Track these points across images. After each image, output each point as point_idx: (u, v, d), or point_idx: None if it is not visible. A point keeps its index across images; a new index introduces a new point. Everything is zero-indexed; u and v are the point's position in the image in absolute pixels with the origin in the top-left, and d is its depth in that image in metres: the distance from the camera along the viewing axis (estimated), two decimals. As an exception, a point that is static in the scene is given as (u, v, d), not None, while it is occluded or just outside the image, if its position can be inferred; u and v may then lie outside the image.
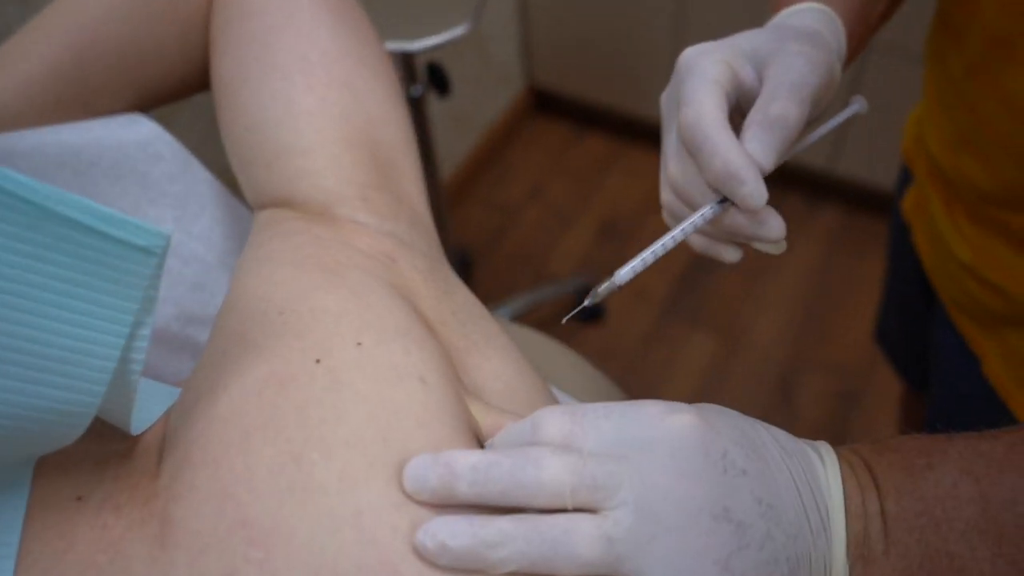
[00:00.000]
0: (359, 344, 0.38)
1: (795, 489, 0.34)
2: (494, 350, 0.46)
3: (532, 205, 2.02)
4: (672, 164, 0.45)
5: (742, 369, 1.64)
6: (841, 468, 0.35)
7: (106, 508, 0.34)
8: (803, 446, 0.36)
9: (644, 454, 0.33)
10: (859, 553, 0.34)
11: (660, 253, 0.42)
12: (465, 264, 1.82)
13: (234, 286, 0.44)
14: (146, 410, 0.39)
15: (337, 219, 0.47)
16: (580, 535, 0.31)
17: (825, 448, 0.37)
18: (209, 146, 0.55)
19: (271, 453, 0.34)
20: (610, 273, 0.42)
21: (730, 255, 0.45)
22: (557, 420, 0.34)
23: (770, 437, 0.36)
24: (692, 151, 0.41)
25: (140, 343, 0.31)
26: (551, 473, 0.32)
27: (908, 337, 0.89)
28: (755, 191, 0.39)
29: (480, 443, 0.38)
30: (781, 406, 1.58)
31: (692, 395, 1.58)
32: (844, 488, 0.35)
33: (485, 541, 0.31)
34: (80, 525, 0.34)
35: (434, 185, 1.45)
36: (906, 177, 0.78)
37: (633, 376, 1.65)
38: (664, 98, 0.46)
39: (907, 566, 0.34)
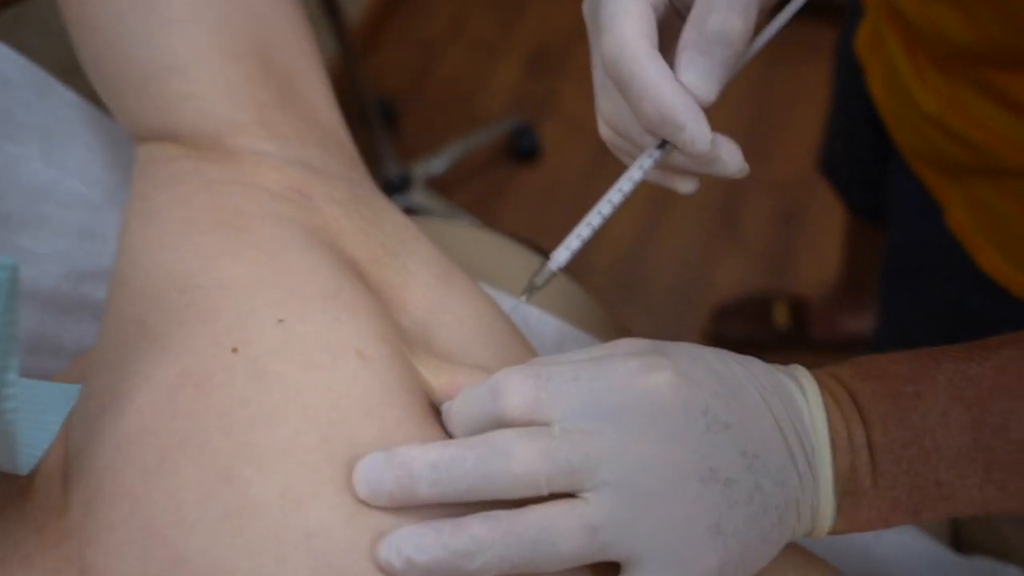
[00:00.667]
0: (281, 321, 0.33)
1: (779, 432, 0.32)
2: (435, 278, 0.41)
3: (454, 40, 1.88)
4: (602, 100, 0.38)
5: (685, 196, 1.62)
6: (823, 399, 0.33)
7: (12, 561, 0.30)
8: (781, 378, 0.33)
9: (620, 422, 0.30)
10: (846, 488, 0.32)
11: (598, 224, 0.37)
12: (389, 114, 1.71)
13: (122, 252, 0.37)
14: (38, 428, 0.33)
15: (233, 152, 0.40)
16: (560, 530, 0.29)
17: (804, 376, 0.34)
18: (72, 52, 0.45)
19: (196, 474, 0.30)
20: (545, 255, 0.36)
21: (685, 187, 0.39)
22: (519, 386, 0.30)
23: (746, 374, 0.33)
24: (620, 89, 0.34)
25: (7, 390, 0.26)
26: (522, 464, 0.29)
27: (857, 170, 0.86)
28: (697, 135, 0.32)
29: (436, 408, 0.34)
30: (725, 231, 1.58)
31: (637, 228, 1.56)
32: (828, 422, 0.32)
33: (458, 551, 0.28)
34: None
35: (341, 33, 1.32)
36: (856, 8, 0.72)
37: (575, 215, 1.61)
38: (585, 9, 0.37)
39: (895, 497, 0.32)
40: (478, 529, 0.28)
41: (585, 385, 0.30)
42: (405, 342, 0.36)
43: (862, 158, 0.80)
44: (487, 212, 1.61)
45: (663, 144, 0.36)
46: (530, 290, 0.37)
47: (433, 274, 0.41)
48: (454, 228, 0.63)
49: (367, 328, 0.34)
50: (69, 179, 0.48)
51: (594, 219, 0.37)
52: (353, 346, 0.33)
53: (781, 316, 1.32)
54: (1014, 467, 0.32)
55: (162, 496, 0.29)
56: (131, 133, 0.43)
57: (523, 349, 0.41)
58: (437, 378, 0.35)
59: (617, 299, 1.49)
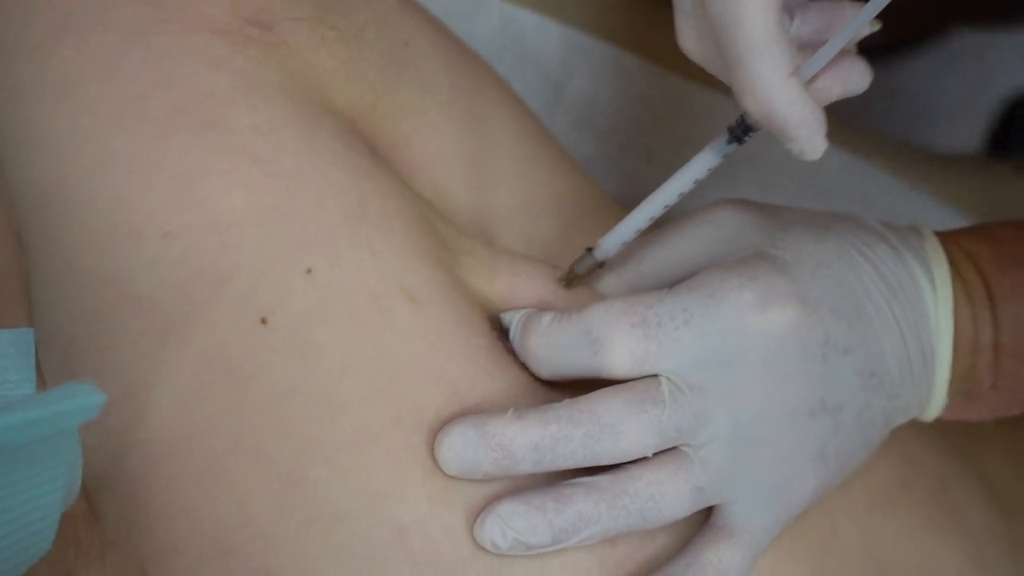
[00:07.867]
0: (309, 271, 0.27)
1: (901, 341, 0.30)
2: (445, 112, 0.33)
3: None
4: (688, 41, 0.29)
5: None
6: (954, 292, 0.30)
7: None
8: (911, 267, 0.30)
9: (732, 371, 0.28)
10: (963, 388, 0.31)
11: (659, 215, 0.31)
12: None
13: (18, 171, 0.28)
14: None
15: None
16: (668, 496, 0.27)
17: (935, 254, 0.31)
18: None
19: (259, 483, 0.26)
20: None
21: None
22: (626, 338, 0.27)
23: (873, 272, 0.30)
24: (721, 58, 0.27)
25: None
26: (631, 439, 0.27)
27: None
28: (809, 148, 0.27)
29: (495, 319, 0.30)
30: None
31: None
32: (955, 322, 0.30)
33: (563, 530, 0.27)
34: None
35: None
36: None
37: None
38: None
39: (1013, 396, 0.32)
40: (583, 505, 0.27)
41: (697, 330, 0.27)
42: (440, 239, 0.30)
43: None
44: None
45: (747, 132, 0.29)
46: (570, 278, 0.32)
47: (442, 104, 0.33)
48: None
49: (408, 250, 0.28)
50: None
51: (656, 209, 0.31)
52: (399, 286, 0.27)
53: None
54: None
55: (227, 509, 0.26)
56: None
57: (577, 202, 0.36)
58: (492, 284, 0.31)
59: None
